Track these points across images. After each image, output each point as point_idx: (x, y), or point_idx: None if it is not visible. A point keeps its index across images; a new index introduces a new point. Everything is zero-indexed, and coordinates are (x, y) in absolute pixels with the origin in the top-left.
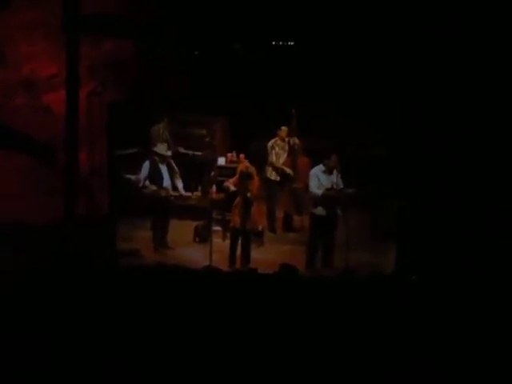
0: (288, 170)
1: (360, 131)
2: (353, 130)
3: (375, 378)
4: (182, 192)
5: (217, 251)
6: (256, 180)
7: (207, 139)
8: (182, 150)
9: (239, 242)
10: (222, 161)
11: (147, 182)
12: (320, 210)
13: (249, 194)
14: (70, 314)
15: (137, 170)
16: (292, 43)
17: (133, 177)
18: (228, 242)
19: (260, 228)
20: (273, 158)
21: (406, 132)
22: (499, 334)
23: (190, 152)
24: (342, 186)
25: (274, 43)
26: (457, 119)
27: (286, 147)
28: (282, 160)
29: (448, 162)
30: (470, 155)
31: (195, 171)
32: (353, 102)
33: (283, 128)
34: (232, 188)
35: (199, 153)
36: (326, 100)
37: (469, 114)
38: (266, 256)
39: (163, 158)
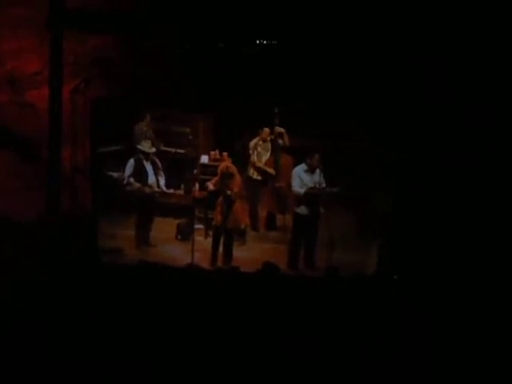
0: (270, 170)
1: (344, 129)
2: (336, 128)
3: (359, 376)
4: (164, 189)
5: (199, 249)
6: (238, 178)
7: (190, 137)
8: (165, 147)
9: (221, 240)
10: (205, 159)
11: (131, 179)
12: (303, 209)
13: (229, 193)
14: (52, 310)
15: (120, 167)
16: (275, 42)
17: (116, 174)
18: (210, 240)
19: (242, 226)
20: (254, 157)
21: (391, 129)
22: (484, 332)
23: (173, 149)
24: (324, 185)
25: (258, 41)
26: (442, 115)
27: (269, 147)
28: (264, 159)
29: (434, 160)
30: (455, 152)
31: (178, 169)
32: (336, 99)
33: (265, 129)
34: (211, 187)
35: (182, 150)
36: (309, 98)
37: (455, 109)
38: (249, 254)
39: (147, 155)
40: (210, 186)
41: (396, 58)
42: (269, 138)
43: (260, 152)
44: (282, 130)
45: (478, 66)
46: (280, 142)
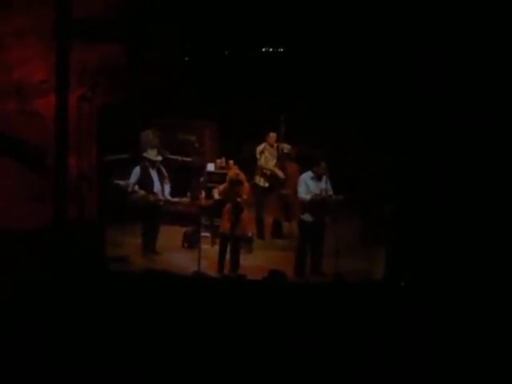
0: (279, 173)
1: (349, 137)
2: (342, 136)
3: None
4: (168, 197)
5: (205, 257)
6: (246, 186)
7: (196, 145)
8: (171, 155)
9: (228, 247)
10: (211, 167)
11: (136, 187)
12: (308, 216)
13: (239, 200)
14: (58, 319)
15: (126, 175)
16: (281, 49)
17: (122, 182)
18: (216, 247)
19: (250, 234)
20: (262, 162)
21: (395, 138)
22: (490, 338)
23: (180, 157)
24: (331, 193)
25: (263, 49)
26: (446, 121)
27: (275, 153)
28: (271, 165)
29: (439, 165)
30: (461, 158)
31: (184, 177)
32: (341, 107)
33: (271, 134)
34: (216, 196)
35: (188, 158)
36: (315, 105)
37: (459, 115)
38: (255, 262)
39: (153, 164)
40: (216, 194)
41: (397, 59)
42: (275, 145)
43: (267, 157)
44: (287, 146)
45: (477, 67)
46: (286, 151)
